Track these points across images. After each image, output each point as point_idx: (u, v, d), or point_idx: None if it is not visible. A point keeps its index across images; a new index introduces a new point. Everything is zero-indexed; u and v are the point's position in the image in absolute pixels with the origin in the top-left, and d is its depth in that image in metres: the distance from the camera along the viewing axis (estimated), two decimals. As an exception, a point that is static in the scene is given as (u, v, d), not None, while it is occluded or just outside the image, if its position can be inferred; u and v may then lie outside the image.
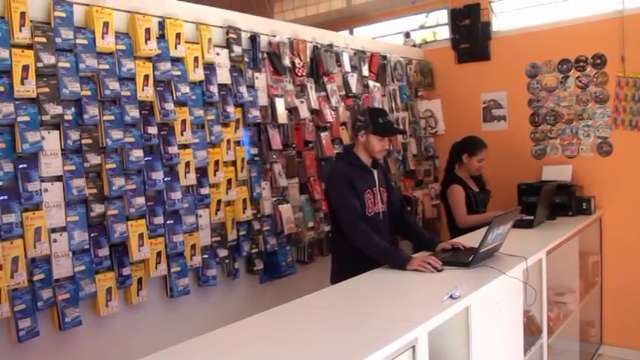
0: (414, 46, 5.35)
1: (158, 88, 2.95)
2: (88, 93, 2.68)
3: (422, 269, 2.63)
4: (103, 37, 2.72)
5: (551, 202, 4.09)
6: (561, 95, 4.66)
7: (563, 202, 4.24)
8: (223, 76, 3.31)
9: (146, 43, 2.88)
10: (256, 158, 3.52)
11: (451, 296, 2.20)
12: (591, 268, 4.41)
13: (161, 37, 3.01)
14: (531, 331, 3.11)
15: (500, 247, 2.91)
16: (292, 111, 3.77)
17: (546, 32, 4.67)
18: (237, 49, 3.41)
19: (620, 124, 4.43)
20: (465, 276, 2.54)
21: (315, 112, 3.94)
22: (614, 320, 4.52)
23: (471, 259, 2.67)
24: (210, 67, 3.24)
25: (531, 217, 3.76)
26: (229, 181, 3.34)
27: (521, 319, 2.84)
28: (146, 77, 2.89)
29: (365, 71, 4.45)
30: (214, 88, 3.24)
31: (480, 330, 2.34)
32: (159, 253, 2.93)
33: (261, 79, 3.56)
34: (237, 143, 3.42)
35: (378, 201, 3.04)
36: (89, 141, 2.68)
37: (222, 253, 3.28)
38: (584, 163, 4.57)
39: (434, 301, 2.19)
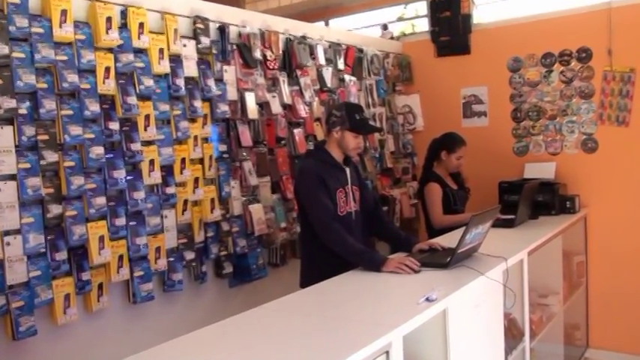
0: (392, 38, 5.39)
1: (120, 81, 2.93)
2: (45, 86, 2.65)
3: (398, 271, 2.65)
4: (60, 26, 2.69)
5: (533, 200, 4.15)
6: (544, 90, 4.73)
7: (546, 200, 4.31)
8: (190, 68, 3.30)
9: (107, 32, 2.85)
10: (225, 156, 3.51)
11: (427, 299, 2.22)
12: (576, 269, 4.48)
13: (123, 27, 2.98)
14: (513, 334, 3.15)
15: (479, 248, 2.94)
16: (263, 106, 3.76)
17: (529, 25, 4.73)
18: (205, 41, 3.40)
19: (606, 120, 4.50)
20: (442, 278, 2.56)
21: (288, 107, 3.94)
22: (601, 322, 4.59)
23: (448, 260, 2.69)
24: (176, 59, 3.22)
25: (512, 217, 3.81)
26: (196, 179, 3.32)
27: (502, 321, 2.87)
28: (107, 69, 2.86)
29: (340, 65, 4.46)
30: (180, 82, 3.23)
31: (458, 333, 2.36)
32: (121, 257, 2.91)
33: (230, 73, 3.55)
34: (205, 140, 3.40)
35: (350, 200, 3.05)
36: (46, 137, 2.64)
37: (189, 255, 3.27)
38: (568, 161, 4.65)
39: (409, 303, 2.20)
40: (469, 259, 2.84)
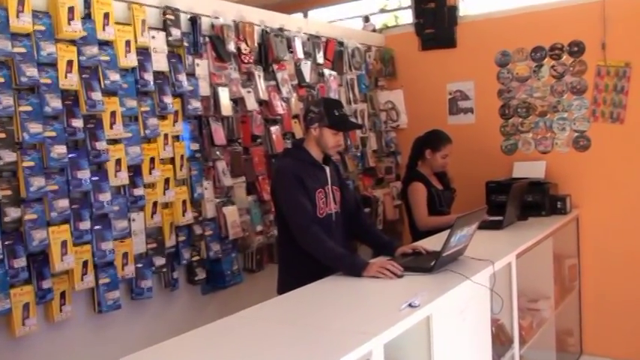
0: (374, 31, 5.40)
1: (84, 76, 2.90)
2: (1, 80, 2.61)
3: (379, 275, 2.65)
4: (18, 16, 2.66)
5: (522, 201, 4.19)
6: (534, 85, 4.77)
7: (536, 200, 4.34)
8: (159, 62, 3.28)
9: (69, 23, 2.82)
10: (197, 155, 3.50)
11: (410, 304, 2.23)
12: (568, 272, 4.52)
13: (87, 17, 2.96)
14: (501, 340, 3.17)
15: (465, 251, 2.96)
16: (238, 102, 3.76)
17: (518, 17, 4.77)
18: (176, 32, 3.38)
19: (599, 117, 4.55)
20: (426, 282, 2.58)
21: (264, 104, 3.94)
22: (595, 328, 4.63)
23: (432, 263, 2.71)
24: (144, 52, 3.21)
25: (500, 218, 3.84)
26: (167, 180, 3.31)
27: (489, 328, 2.89)
28: (69, 63, 2.83)
29: (320, 58, 4.47)
30: (149, 76, 3.21)
31: (443, 341, 2.37)
32: (85, 263, 2.88)
33: (202, 67, 3.54)
34: (176, 138, 3.39)
35: (330, 201, 3.06)
36: (2, 135, 2.61)
37: (159, 261, 3.25)
38: (559, 159, 4.69)
39: (391, 310, 2.21)
40: (454, 262, 2.85)
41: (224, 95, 3.63)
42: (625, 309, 4.50)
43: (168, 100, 3.30)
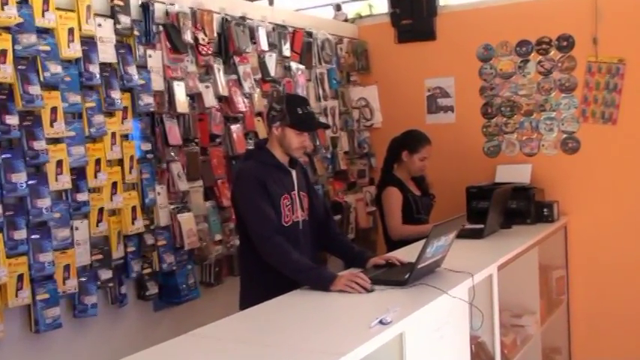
0: (346, 20, 5.41)
1: (20, 67, 2.86)
2: None
3: (347, 289, 2.66)
4: (-56, 1, 2.61)
5: (505, 207, 4.23)
6: (519, 82, 4.83)
7: (520, 207, 4.39)
8: (107, 53, 3.26)
9: (2, 8, 2.78)
10: (149, 156, 3.48)
11: (381, 321, 2.23)
12: (555, 285, 4.58)
13: (23, 2, 2.92)
14: (481, 359, 3.20)
15: (443, 262, 2.98)
16: (195, 98, 3.74)
17: (502, 8, 4.82)
18: (125, 20, 3.36)
19: (589, 117, 4.62)
20: (399, 297, 2.59)
21: (224, 100, 3.93)
22: (585, 345, 4.69)
23: (406, 276, 2.72)
24: (89, 42, 3.18)
25: (481, 226, 3.88)
26: (114, 184, 3.28)
27: (468, 346, 2.92)
28: (3, 52, 2.79)
29: (286, 50, 4.47)
30: (95, 68, 3.18)
31: (417, 360, 2.39)
32: (20, 277, 2.84)
33: (155, 58, 3.52)
34: (125, 137, 3.37)
35: (297, 208, 3.06)
36: None
37: (106, 274, 3.22)
38: (546, 162, 4.75)
39: (360, 327, 2.21)
40: (430, 275, 2.87)
41: (179, 90, 3.61)
42: (618, 325, 4.56)
43: (116, 95, 3.27)
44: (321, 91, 4.81)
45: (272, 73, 4.30)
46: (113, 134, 3.27)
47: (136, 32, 3.42)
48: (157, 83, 3.52)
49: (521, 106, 4.84)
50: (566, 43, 4.66)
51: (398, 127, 4.43)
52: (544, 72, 4.75)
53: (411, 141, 4.17)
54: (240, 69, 4.04)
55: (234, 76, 4.01)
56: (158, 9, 3.57)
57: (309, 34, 4.75)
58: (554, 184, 4.69)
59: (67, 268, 3.03)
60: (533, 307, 4.02)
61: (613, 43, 4.50)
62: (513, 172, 4.70)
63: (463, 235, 3.40)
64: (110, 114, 3.28)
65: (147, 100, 3.44)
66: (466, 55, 4.94)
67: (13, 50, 2.83)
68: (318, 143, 4.67)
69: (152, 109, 3.47)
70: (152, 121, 3.51)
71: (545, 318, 4.20)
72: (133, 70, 3.36)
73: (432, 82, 5.09)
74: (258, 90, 4.19)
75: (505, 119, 4.88)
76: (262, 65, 4.24)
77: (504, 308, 3.57)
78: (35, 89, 2.90)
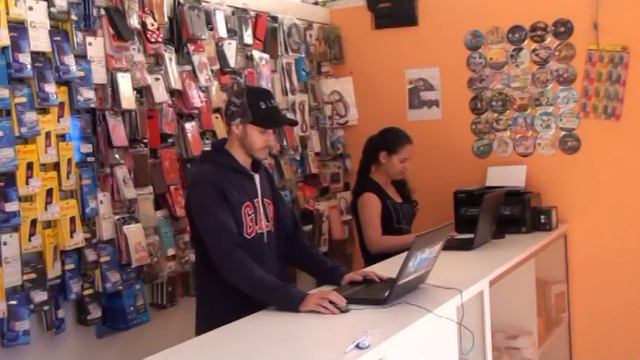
0: (316, 3, 5.41)
1: (-64, 57, 2.83)
2: None
3: (320, 310, 2.65)
4: None
5: (497, 214, 4.26)
6: (512, 73, 4.88)
7: (515, 214, 4.43)
8: (39, 40, 3.22)
9: None
10: (90, 159, 3.45)
11: (358, 345, 2.23)
12: (554, 302, 4.62)
13: (-60, -18, 2.88)
14: (472, 388, 3.21)
15: (427, 277, 2.99)
16: (143, 92, 3.72)
17: (492, -10, 4.88)
18: (61, 3, 3.32)
19: (590, 112, 4.68)
20: (378, 317, 2.59)
21: (177, 94, 3.91)
22: (589, 367, 4.74)
23: (386, 294, 2.72)
24: (18, 28, 3.14)
25: (471, 236, 3.90)
26: (49, 192, 3.24)
27: (457, 372, 2.93)
28: None
29: (247, 37, 4.46)
30: (25, 58, 3.15)
31: (399, 390, 2.39)
32: (-61, 300, 2.80)
33: (96, 47, 3.49)
34: (62, 138, 3.33)
35: (261, 217, 3.05)
36: None
37: (40, 297, 3.18)
38: (543, 163, 4.80)
39: (334, 353, 2.21)
40: (414, 292, 2.88)
41: (125, 83, 3.58)
42: (625, 347, 4.60)
43: (50, 89, 3.24)
44: (288, 84, 4.81)
45: (232, 63, 4.28)
46: (48, 134, 3.24)
47: (73, 17, 3.38)
48: (99, 75, 3.49)
49: (514, 100, 4.88)
50: (563, 29, 4.71)
51: (376, 124, 4.45)
52: (539, 61, 4.80)
53: (390, 140, 4.19)
54: (195, 59, 4.02)
55: (188, 67, 3.99)
56: (100, -10, 3.55)
57: (274, 19, 4.75)
58: (552, 187, 4.73)
59: (-7, 289, 2.99)
60: (530, 327, 4.05)
61: (616, 29, 4.56)
62: (506, 175, 4.74)
63: (450, 246, 3.42)
64: (44, 111, 3.25)
65: (87, 94, 3.41)
66: (452, 42, 4.97)
67: None
68: (285, 143, 4.66)
69: (93, 105, 3.44)
70: (93, 119, 3.47)
71: (543, 339, 4.23)
72: (70, 60, 3.33)
73: (414, 73, 5.12)
74: (216, 83, 4.17)
75: (496, 115, 4.92)
76: (220, 54, 4.23)
77: (497, 329, 3.59)
78: (-45, 82, 2.87)
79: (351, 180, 4.88)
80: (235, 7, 4.42)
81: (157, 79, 3.78)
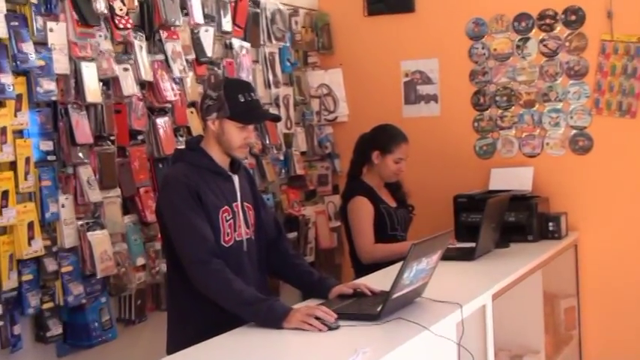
0: (303, -13, 5.42)
1: None
2: None
3: (304, 327, 2.64)
4: None
5: (501, 221, 4.25)
6: (518, 66, 4.89)
7: (520, 221, 4.43)
8: (-6, 26, 3.21)
9: None
10: (51, 158, 3.44)
11: (348, 366, 2.23)
12: (564, 318, 4.63)
13: None
14: (473, 412, 3.21)
15: (424, 290, 2.98)
16: (110, 83, 3.71)
17: (497, -27, 4.89)
18: (19, -16, 3.32)
19: (603, 109, 4.69)
20: (371, 335, 2.58)
21: (148, 86, 3.90)
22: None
23: (379, 309, 2.71)
24: (-31, 12, 3.13)
25: (472, 245, 3.90)
26: (5, 194, 3.22)
27: (456, 395, 2.92)
28: None
29: (226, 24, 4.46)
30: (-21, 46, 3.14)
31: (393, 415, 2.39)
32: None
33: (58, 33, 3.47)
34: (19, 134, 3.32)
35: (240, 223, 3.05)
36: None
37: (-7, 311, 3.17)
38: (552, 165, 4.82)
39: (321, 374, 2.21)
40: (409, 307, 2.87)
41: (90, 74, 3.56)
42: (638, 365, 4.62)
43: (7, 79, 3.22)
44: (271, 76, 4.80)
45: (209, 52, 4.28)
46: (3, 130, 3.22)
47: (33, 0, 3.36)
48: (61, 65, 3.47)
49: (520, 95, 4.89)
50: (574, 18, 4.73)
51: (368, 121, 4.45)
52: (548, 53, 4.81)
53: (384, 138, 4.19)
54: (169, 47, 4.01)
55: (160, 57, 3.98)
56: (62, -30, 3.54)
57: (256, 4, 4.74)
58: (561, 191, 4.75)
59: (-59, 303, 2.98)
60: (537, 346, 4.06)
61: (632, 17, 4.58)
62: (511, 177, 4.75)
63: (450, 256, 3.42)
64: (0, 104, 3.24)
65: (47, 86, 3.39)
66: (452, 31, 4.99)
67: None
68: (267, 141, 4.66)
69: (54, 98, 3.42)
70: (54, 114, 3.46)
71: (551, 358, 4.23)
72: (29, 47, 3.31)
73: (410, 64, 5.12)
74: (191, 74, 4.17)
75: (501, 111, 4.93)
76: (196, 43, 4.22)
77: (501, 347, 3.59)
78: None
79: (341, 182, 4.88)
80: (213, -9, 4.42)
81: (126, 69, 3.76)
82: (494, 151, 4.95)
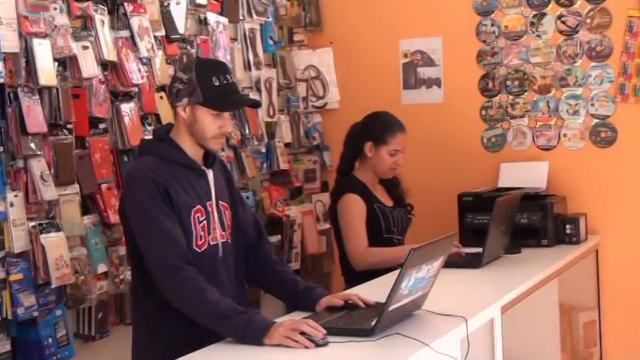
0: (288, -45, 5.42)
1: None
2: None
3: (289, 344, 2.63)
4: None
5: (512, 223, 4.26)
6: (532, 45, 4.90)
7: (533, 223, 4.45)
8: None
9: None
10: (-3, 149, 3.43)
11: (337, 389, 2.24)
12: (583, 333, 4.64)
13: None
14: None
15: (424, 302, 2.99)
16: (67, 64, 3.71)
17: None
18: (-40, -50, 3.31)
19: (629, 95, 4.70)
20: (363, 352, 2.59)
21: (111, 67, 3.90)
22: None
23: (373, 323, 2.71)
24: None
25: (479, 250, 3.91)
26: (-56, 191, 3.23)
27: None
28: None
29: (201, -4, 4.47)
30: None
31: None
32: None
33: (6, 5, 3.45)
34: (-39, 122, 3.32)
35: (215, 225, 3.05)
36: None
37: None
38: (570, 159, 4.84)
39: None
40: (407, 320, 2.88)
41: (43, 53, 3.55)
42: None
43: (-52, 59, 3.23)
44: (251, 56, 4.81)
45: (180, 29, 4.28)
46: (-58, 117, 3.23)
47: (-23, -32, 3.37)
48: (9, 42, 3.45)
49: (534, 79, 4.91)
50: (596, -9, 4.74)
51: (362, 108, 4.46)
52: (566, 31, 4.82)
53: (377, 127, 4.19)
54: (134, 22, 4.01)
55: (125, 33, 3.98)
56: None
57: (236, -26, 4.75)
58: (580, 189, 4.77)
59: None
60: (553, 364, 4.08)
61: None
62: (523, 173, 4.76)
63: (453, 262, 3.43)
64: (-61, 88, 3.24)
65: (-6, 67, 3.39)
66: (458, 6, 5.00)
67: None
68: (246, 131, 4.67)
69: (1, 81, 3.41)
70: (1, 98, 3.45)
71: (569, 378, 4.26)
72: (-28, 23, 3.32)
73: (410, 43, 5.14)
74: (160, 53, 4.17)
75: (512, 98, 4.95)
76: (166, 17, 4.22)
77: (512, 366, 3.61)
78: None
79: (330, 178, 4.89)
80: (185, -42, 4.42)
81: (85, 47, 3.75)
82: (504, 143, 4.96)
